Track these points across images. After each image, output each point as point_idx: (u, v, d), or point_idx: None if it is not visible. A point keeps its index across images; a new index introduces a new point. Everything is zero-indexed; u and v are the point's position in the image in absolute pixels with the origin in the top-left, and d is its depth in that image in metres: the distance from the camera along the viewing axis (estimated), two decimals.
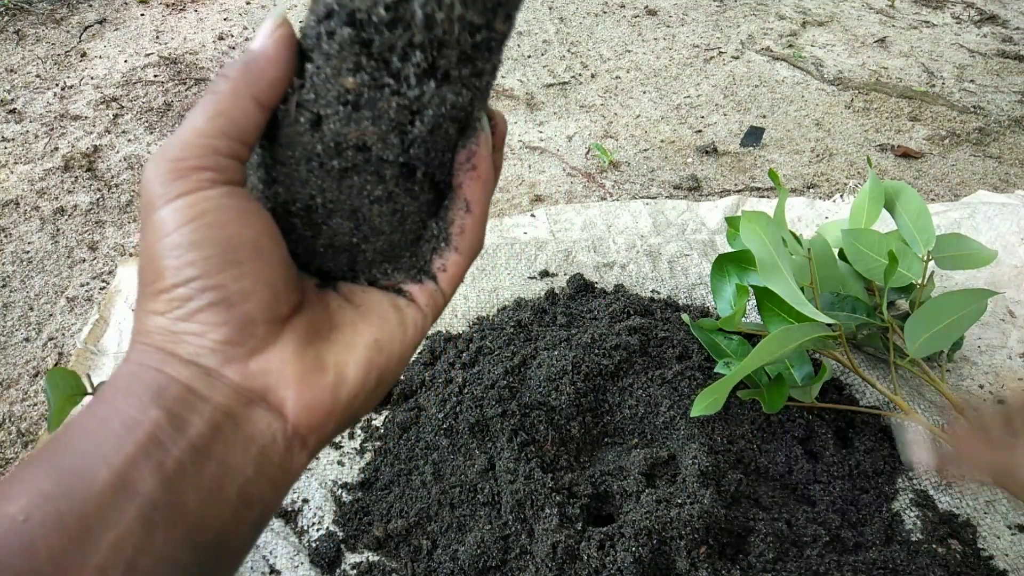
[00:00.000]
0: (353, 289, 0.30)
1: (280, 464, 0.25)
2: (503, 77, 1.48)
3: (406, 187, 0.28)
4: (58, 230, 1.07)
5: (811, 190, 1.19)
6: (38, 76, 1.42)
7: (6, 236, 1.05)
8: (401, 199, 0.28)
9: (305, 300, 0.28)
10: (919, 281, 0.71)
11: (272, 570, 0.63)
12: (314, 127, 0.26)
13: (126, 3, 1.70)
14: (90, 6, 1.67)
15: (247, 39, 1.58)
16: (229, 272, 0.24)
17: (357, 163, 0.26)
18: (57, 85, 1.39)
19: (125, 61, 1.48)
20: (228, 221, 0.24)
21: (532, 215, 1.06)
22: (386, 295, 0.30)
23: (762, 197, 1.14)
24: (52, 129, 1.27)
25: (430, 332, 0.79)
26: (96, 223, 1.08)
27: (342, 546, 0.64)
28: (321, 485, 0.69)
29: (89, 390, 0.56)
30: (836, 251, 0.77)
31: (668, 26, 1.70)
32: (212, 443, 0.23)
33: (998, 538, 0.64)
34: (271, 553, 0.64)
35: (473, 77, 0.26)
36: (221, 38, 1.58)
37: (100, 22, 1.62)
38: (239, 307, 0.24)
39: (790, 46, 1.62)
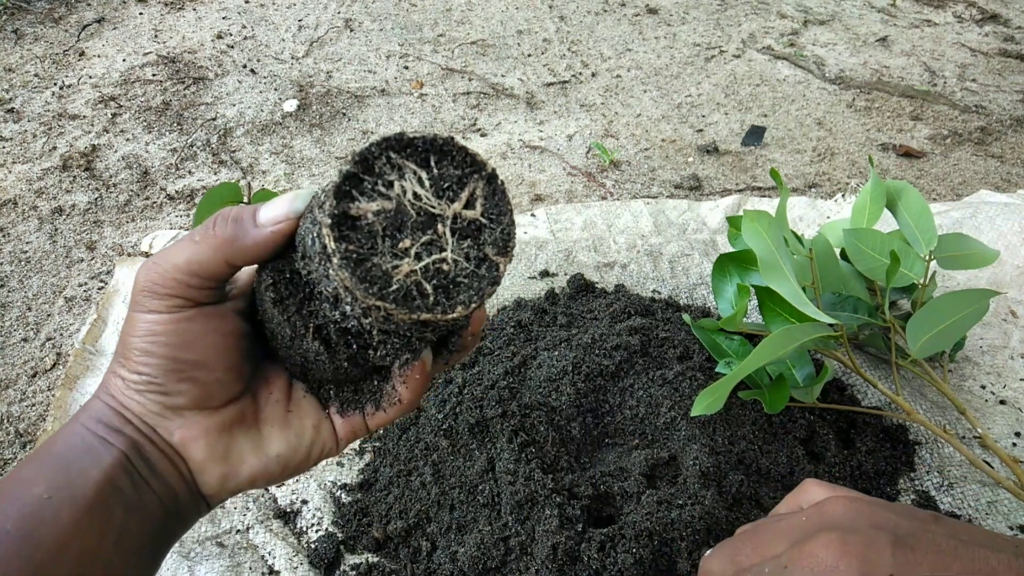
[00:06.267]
0: (299, 388, 0.36)
1: (181, 508, 0.33)
2: (503, 76, 1.48)
3: (337, 365, 0.33)
4: (56, 230, 1.06)
5: (813, 189, 1.19)
6: (36, 75, 1.42)
7: (4, 236, 1.05)
8: (332, 365, 0.33)
9: (251, 385, 0.35)
10: (921, 281, 0.70)
11: (271, 571, 0.62)
12: (275, 304, 0.31)
13: (124, 2, 1.70)
14: (88, 5, 1.67)
15: (245, 38, 1.58)
16: (171, 376, 0.31)
17: (297, 338, 0.32)
18: (55, 84, 1.39)
19: (123, 60, 1.48)
20: (178, 343, 0.31)
21: (532, 215, 1.06)
22: (319, 409, 0.36)
23: (763, 196, 1.14)
24: (50, 128, 1.27)
25: None
26: (94, 223, 1.08)
27: (341, 547, 0.64)
28: (320, 486, 0.69)
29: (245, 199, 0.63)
30: (838, 251, 0.77)
31: (669, 25, 1.70)
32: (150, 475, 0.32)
33: None
34: (270, 554, 0.63)
35: (403, 345, 0.31)
36: (220, 37, 1.58)
37: (98, 21, 1.61)
38: (174, 398, 0.32)
39: (791, 45, 1.61)
